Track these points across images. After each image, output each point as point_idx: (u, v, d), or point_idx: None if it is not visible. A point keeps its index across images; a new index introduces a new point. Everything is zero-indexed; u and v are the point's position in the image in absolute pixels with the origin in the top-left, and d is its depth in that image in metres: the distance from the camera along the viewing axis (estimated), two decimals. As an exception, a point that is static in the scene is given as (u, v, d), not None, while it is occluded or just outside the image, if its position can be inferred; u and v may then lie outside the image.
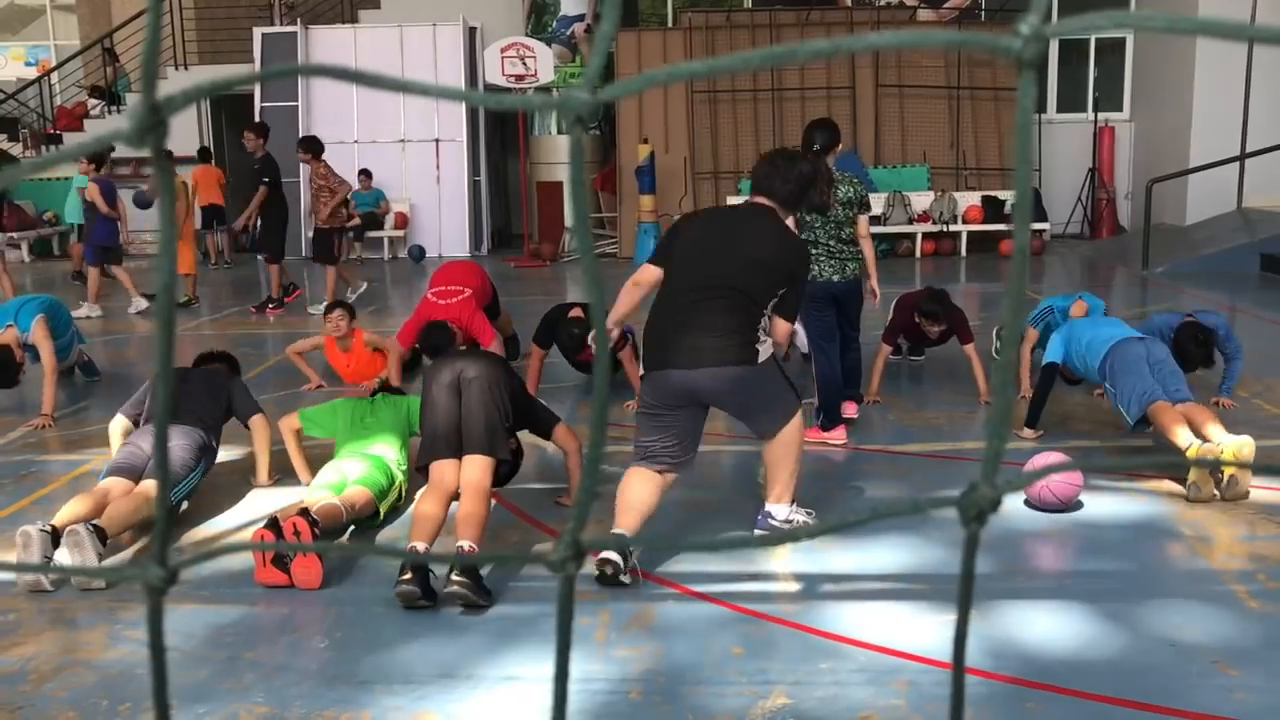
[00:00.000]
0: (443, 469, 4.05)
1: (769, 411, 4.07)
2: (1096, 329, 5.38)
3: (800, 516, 4.23)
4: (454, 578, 3.58)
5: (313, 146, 10.44)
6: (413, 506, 4.14)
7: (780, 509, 4.19)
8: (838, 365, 5.64)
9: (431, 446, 4.11)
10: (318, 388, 6.94)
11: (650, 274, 4.11)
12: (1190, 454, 4.52)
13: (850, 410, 5.81)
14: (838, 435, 5.54)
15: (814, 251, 5.48)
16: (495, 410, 4.10)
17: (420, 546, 3.75)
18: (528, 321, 8.08)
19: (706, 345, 3.91)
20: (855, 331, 5.92)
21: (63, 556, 3.90)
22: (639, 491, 3.97)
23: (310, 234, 10.90)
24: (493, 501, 4.10)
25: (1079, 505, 4.45)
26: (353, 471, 4.50)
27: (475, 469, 4.01)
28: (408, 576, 3.60)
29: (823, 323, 5.66)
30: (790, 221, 4.14)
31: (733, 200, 14.32)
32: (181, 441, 4.54)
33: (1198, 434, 4.61)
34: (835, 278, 5.60)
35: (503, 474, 4.22)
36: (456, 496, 4.04)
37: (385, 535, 4.43)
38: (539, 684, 3.15)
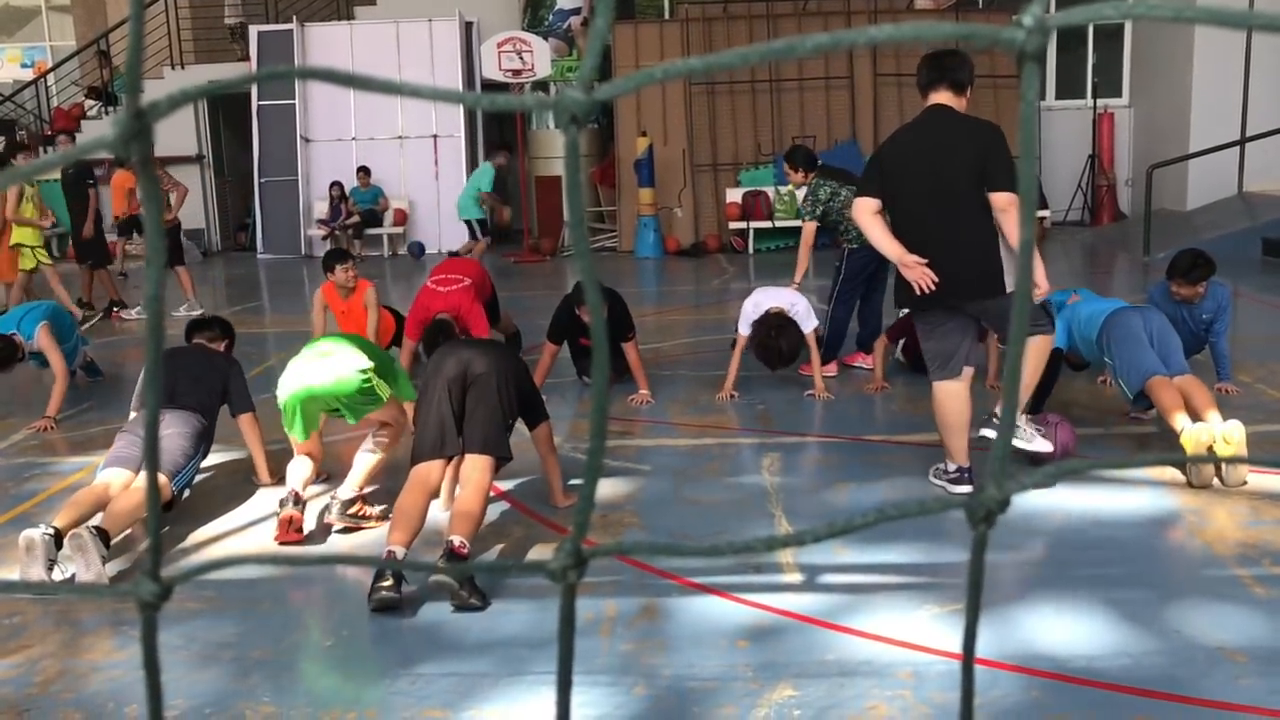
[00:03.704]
0: (428, 468, 3.93)
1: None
2: (1094, 303, 5.42)
3: (1034, 429, 4.57)
4: (438, 567, 3.54)
5: None
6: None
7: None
8: (849, 320, 6.93)
9: (420, 447, 3.98)
10: None
11: (869, 205, 4.42)
12: (1183, 438, 4.51)
13: (860, 359, 6.98)
14: (831, 369, 6.77)
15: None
16: (501, 409, 3.99)
17: (398, 551, 3.66)
18: (529, 317, 8.07)
19: (963, 279, 4.28)
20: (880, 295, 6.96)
21: (66, 559, 3.90)
22: (958, 410, 4.49)
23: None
24: (490, 500, 4.05)
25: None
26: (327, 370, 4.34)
27: (476, 468, 3.91)
28: (388, 583, 3.55)
29: (850, 287, 6.80)
30: (961, 103, 4.39)
31: (731, 192, 14.31)
32: (180, 430, 4.50)
33: (1194, 417, 4.61)
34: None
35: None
36: (437, 494, 3.99)
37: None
38: (546, 679, 3.15)
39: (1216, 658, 3.12)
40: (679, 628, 3.44)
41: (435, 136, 15.71)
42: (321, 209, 15.53)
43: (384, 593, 3.55)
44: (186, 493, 4.62)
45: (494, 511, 4.50)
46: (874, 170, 4.51)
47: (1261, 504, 4.34)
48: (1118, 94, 15.80)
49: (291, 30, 15.71)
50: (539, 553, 4.16)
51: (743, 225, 14.09)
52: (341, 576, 3.93)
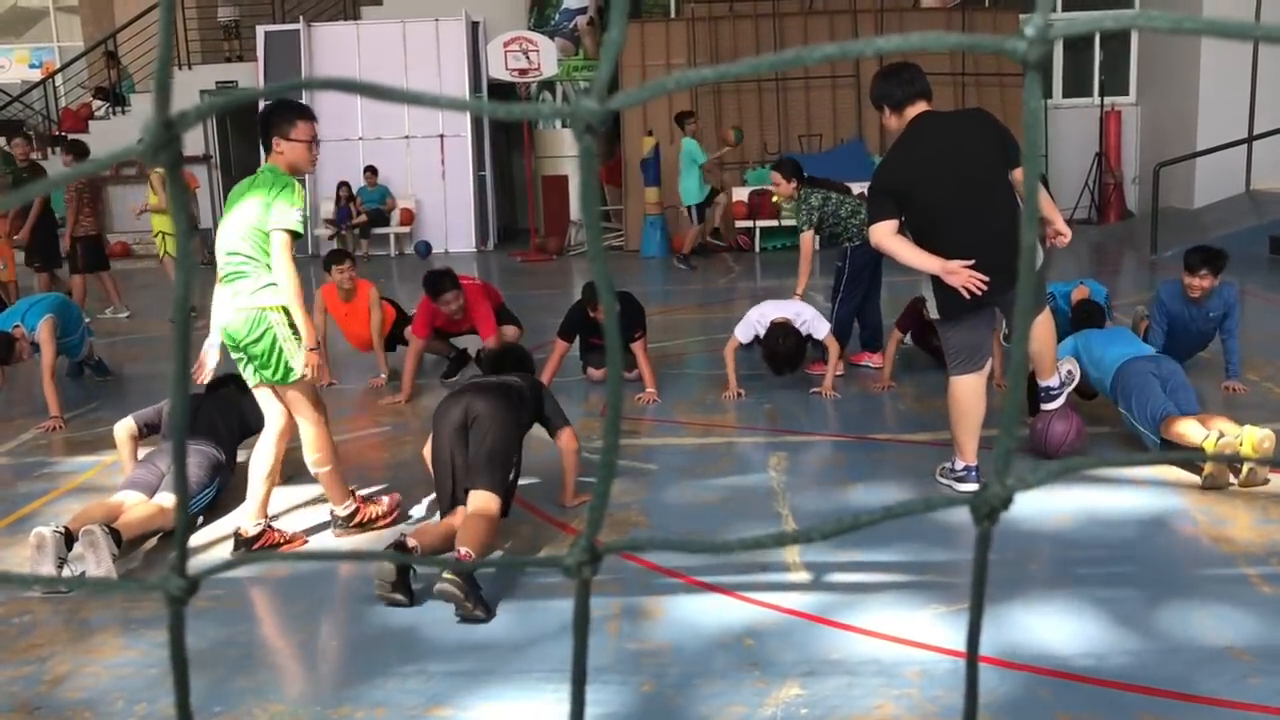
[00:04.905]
0: (449, 521, 3.96)
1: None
2: (1108, 346, 5.30)
3: (1066, 368, 4.87)
4: (445, 575, 3.54)
5: (80, 149, 10.05)
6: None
7: (1052, 380, 4.83)
8: (852, 318, 6.92)
9: (439, 505, 4.06)
10: (329, 384, 6.98)
11: (888, 227, 4.37)
12: (1208, 446, 4.43)
13: (866, 358, 7.05)
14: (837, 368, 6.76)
15: (858, 220, 6.54)
16: (505, 451, 3.97)
17: (416, 545, 3.69)
18: (536, 316, 8.10)
19: (1007, 271, 4.19)
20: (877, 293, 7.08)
21: (76, 558, 3.92)
22: (977, 406, 4.52)
23: (64, 242, 10.22)
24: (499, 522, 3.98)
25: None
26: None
27: (484, 499, 3.88)
28: (392, 579, 3.61)
29: (855, 285, 6.80)
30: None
31: (739, 190, 14.30)
32: (196, 459, 4.62)
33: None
34: None
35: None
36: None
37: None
38: (553, 677, 3.16)
39: (1223, 657, 3.13)
40: (686, 626, 3.46)
41: (442, 136, 15.73)
42: (329, 209, 15.56)
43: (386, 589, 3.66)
44: (199, 520, 4.66)
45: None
46: (882, 195, 4.43)
47: (1270, 503, 4.34)
48: (1125, 92, 15.78)
49: (298, 30, 15.74)
50: (548, 551, 4.17)
51: (749, 224, 14.09)
52: (348, 574, 3.95)
